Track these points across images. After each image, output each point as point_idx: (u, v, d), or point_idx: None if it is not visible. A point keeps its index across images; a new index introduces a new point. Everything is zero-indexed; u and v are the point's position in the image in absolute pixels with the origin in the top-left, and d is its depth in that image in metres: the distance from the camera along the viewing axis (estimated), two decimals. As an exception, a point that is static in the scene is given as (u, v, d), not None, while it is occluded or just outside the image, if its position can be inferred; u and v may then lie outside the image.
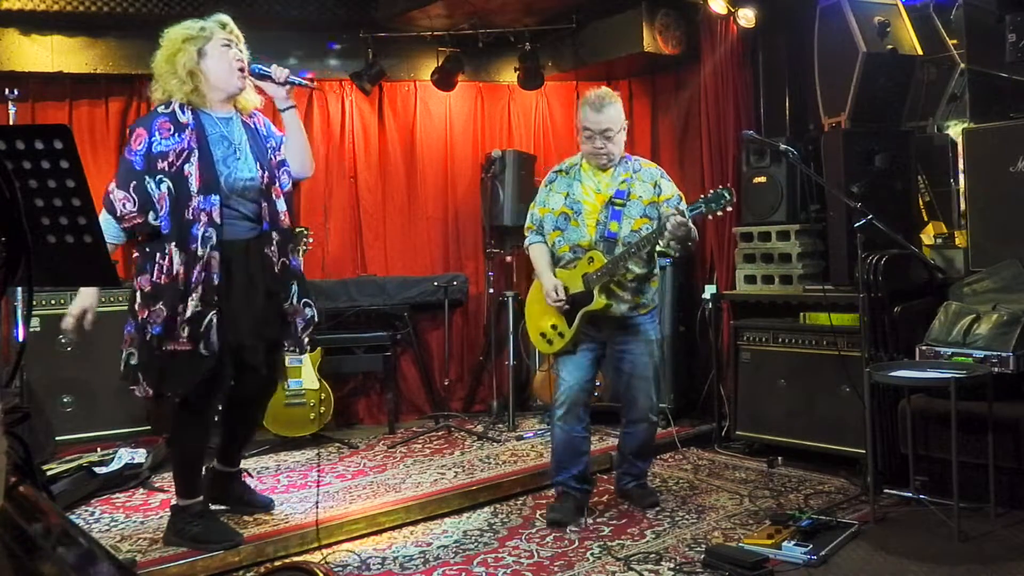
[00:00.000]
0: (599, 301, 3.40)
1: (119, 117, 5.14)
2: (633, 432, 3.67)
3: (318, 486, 3.60)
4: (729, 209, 3.31)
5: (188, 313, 2.98)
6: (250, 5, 4.99)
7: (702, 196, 3.33)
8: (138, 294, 3.06)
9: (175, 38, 3.11)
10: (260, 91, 3.31)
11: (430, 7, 4.98)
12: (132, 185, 2.99)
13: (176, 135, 3.04)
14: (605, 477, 4.11)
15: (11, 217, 1.28)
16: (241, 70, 3.14)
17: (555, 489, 3.63)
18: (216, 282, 3.03)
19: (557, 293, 3.42)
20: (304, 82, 3.24)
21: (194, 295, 2.99)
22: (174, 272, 2.99)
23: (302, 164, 3.34)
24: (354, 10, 5.25)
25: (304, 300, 3.32)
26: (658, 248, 3.46)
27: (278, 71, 3.17)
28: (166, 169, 3.01)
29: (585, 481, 3.62)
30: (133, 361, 3.07)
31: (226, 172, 3.10)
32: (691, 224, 3.29)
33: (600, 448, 4.42)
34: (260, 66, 3.19)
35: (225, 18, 3.18)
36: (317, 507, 3.37)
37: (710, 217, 3.36)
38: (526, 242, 3.68)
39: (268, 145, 3.28)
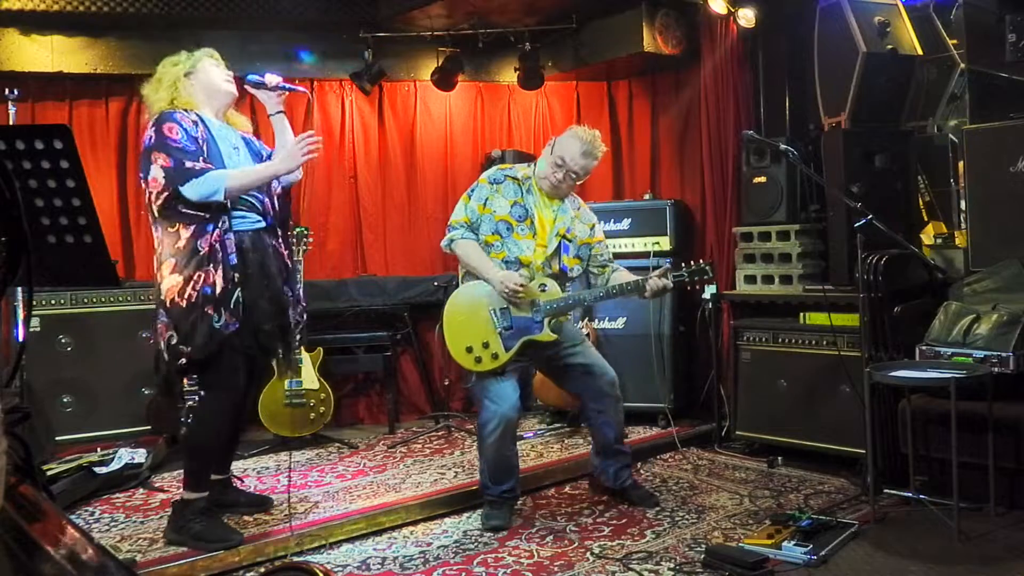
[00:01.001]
0: (547, 335, 3.38)
1: (119, 117, 5.14)
2: (603, 422, 3.59)
3: (288, 490, 3.49)
4: (707, 284, 3.48)
5: (217, 291, 3.05)
6: (250, 5, 4.99)
7: (684, 266, 3.43)
8: (168, 268, 3.08)
9: (166, 65, 3.28)
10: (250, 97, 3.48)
11: (430, 7, 4.98)
12: (200, 159, 3.07)
13: (195, 127, 3.15)
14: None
15: (11, 217, 1.27)
16: (229, 80, 3.32)
17: (486, 498, 3.53)
18: (233, 263, 3.10)
19: (516, 277, 3.32)
20: (295, 87, 3.39)
21: (218, 274, 3.06)
22: (212, 240, 3.08)
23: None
24: (354, 10, 5.25)
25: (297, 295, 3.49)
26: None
27: (271, 77, 3.32)
28: (202, 151, 3.12)
29: (516, 489, 3.58)
30: (174, 341, 3.10)
31: (232, 165, 3.21)
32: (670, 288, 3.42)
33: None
34: (254, 75, 3.34)
35: (211, 51, 3.37)
36: (291, 516, 3.35)
37: (687, 288, 3.54)
38: (454, 235, 3.47)
39: (261, 154, 3.42)
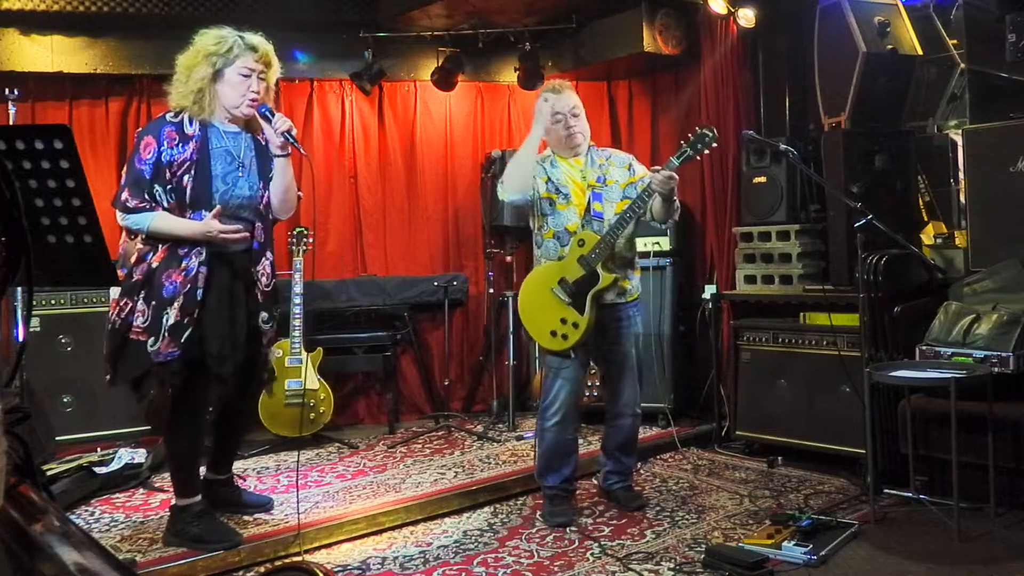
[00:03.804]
0: (606, 277, 3.38)
1: (119, 117, 5.14)
2: (618, 426, 3.66)
3: (297, 490, 3.60)
4: (714, 145, 3.34)
5: (170, 321, 3.02)
6: (250, 5, 4.99)
7: (684, 142, 3.36)
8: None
9: (200, 48, 3.12)
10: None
11: (430, 7, 4.98)
12: (144, 192, 3.05)
13: (180, 145, 3.08)
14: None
15: (11, 217, 1.27)
16: (251, 103, 3.15)
17: (545, 492, 3.58)
18: (199, 297, 3.06)
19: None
20: (298, 145, 3.18)
21: (175, 304, 3.03)
22: (152, 268, 3.07)
23: (281, 207, 3.31)
24: (354, 10, 5.25)
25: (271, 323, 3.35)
26: (646, 221, 3.49)
27: (281, 120, 3.16)
28: (169, 179, 3.07)
29: (574, 480, 3.63)
30: (104, 351, 3.15)
31: (223, 188, 3.13)
32: (676, 178, 3.32)
33: (598, 449, 4.41)
34: (267, 109, 3.18)
35: (258, 42, 3.18)
36: (299, 513, 3.35)
37: (698, 158, 3.39)
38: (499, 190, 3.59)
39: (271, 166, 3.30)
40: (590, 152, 3.59)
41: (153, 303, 3.04)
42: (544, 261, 3.52)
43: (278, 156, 3.21)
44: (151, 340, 3.03)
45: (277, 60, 3.26)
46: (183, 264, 3.05)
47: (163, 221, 3.05)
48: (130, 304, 3.07)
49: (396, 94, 5.65)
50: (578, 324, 3.39)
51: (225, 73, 3.12)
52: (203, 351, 3.09)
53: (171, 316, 3.02)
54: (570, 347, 3.43)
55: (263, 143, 3.27)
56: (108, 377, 3.17)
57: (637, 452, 3.79)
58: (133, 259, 3.12)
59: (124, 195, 3.05)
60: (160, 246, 3.07)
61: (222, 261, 3.14)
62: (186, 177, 3.06)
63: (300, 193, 3.57)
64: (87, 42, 4.94)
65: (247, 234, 3.16)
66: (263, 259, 3.26)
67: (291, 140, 3.15)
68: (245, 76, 3.13)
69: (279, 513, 3.57)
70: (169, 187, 3.07)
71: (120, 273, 3.12)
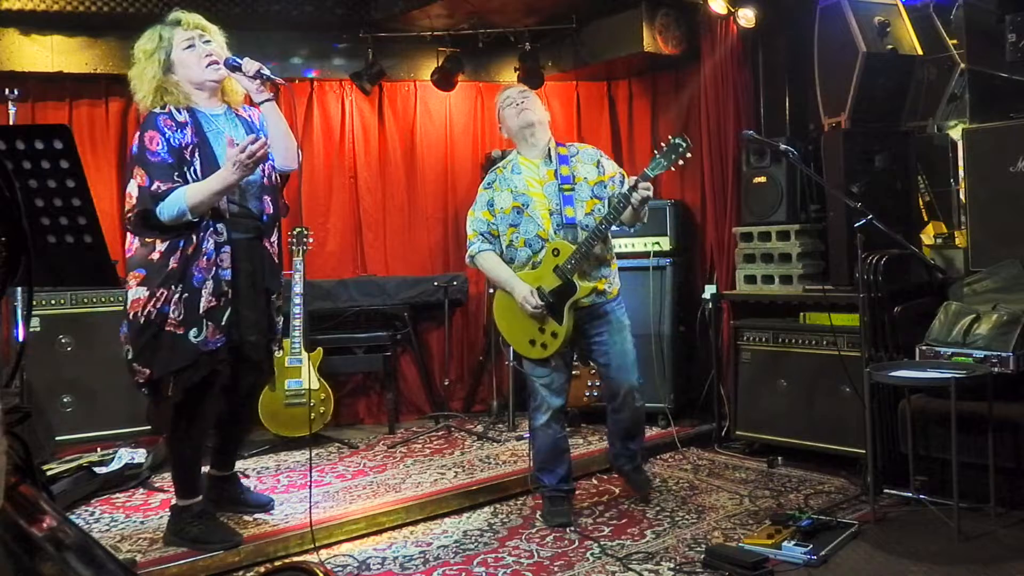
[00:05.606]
0: (584, 287, 3.39)
1: (119, 117, 5.14)
2: (618, 420, 3.66)
3: (310, 487, 3.60)
4: (689, 156, 3.31)
5: (202, 308, 3.01)
6: (251, 5, 4.99)
7: (656, 152, 3.34)
8: (136, 279, 3.04)
9: (139, 53, 3.15)
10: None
11: (430, 7, 4.98)
12: (174, 174, 2.99)
13: (179, 131, 3.07)
14: (605, 477, 4.11)
15: (11, 217, 1.28)
16: (213, 63, 3.13)
17: (544, 492, 3.58)
18: (227, 278, 3.06)
19: (534, 298, 3.37)
20: (274, 78, 3.15)
21: (204, 290, 3.02)
22: (187, 256, 3.02)
23: (285, 156, 3.25)
24: (354, 10, 5.25)
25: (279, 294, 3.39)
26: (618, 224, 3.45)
27: (249, 64, 3.12)
28: (185, 160, 3.04)
29: (570, 479, 3.62)
30: (130, 356, 3.07)
31: None
32: (651, 189, 3.31)
33: (600, 448, 4.41)
34: (233, 58, 3.16)
35: (180, 15, 3.17)
36: (311, 510, 3.35)
37: (672, 169, 3.36)
38: (472, 249, 3.54)
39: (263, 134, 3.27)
40: (551, 150, 3.57)
41: (186, 295, 3.00)
42: (515, 272, 3.49)
43: (263, 101, 3.18)
44: (193, 331, 3.00)
45: (211, 25, 3.23)
46: (203, 248, 3.02)
47: (193, 188, 2.97)
48: (165, 294, 2.98)
49: (396, 94, 5.65)
50: (557, 334, 3.42)
51: (172, 58, 3.12)
52: (243, 339, 3.12)
53: (203, 303, 3.00)
54: (550, 356, 3.46)
55: (248, 119, 3.28)
56: (139, 379, 3.06)
57: (643, 436, 3.82)
58: (160, 252, 3.01)
59: (155, 186, 2.95)
60: (192, 236, 3.01)
61: (239, 244, 3.12)
62: (193, 160, 3.05)
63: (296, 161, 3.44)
64: (87, 42, 4.94)
65: (263, 138, 3.04)
66: (272, 232, 3.27)
67: (266, 76, 3.12)
68: (189, 47, 3.13)
69: (279, 513, 3.57)
70: (192, 168, 3.03)
71: (138, 274, 3.03)
